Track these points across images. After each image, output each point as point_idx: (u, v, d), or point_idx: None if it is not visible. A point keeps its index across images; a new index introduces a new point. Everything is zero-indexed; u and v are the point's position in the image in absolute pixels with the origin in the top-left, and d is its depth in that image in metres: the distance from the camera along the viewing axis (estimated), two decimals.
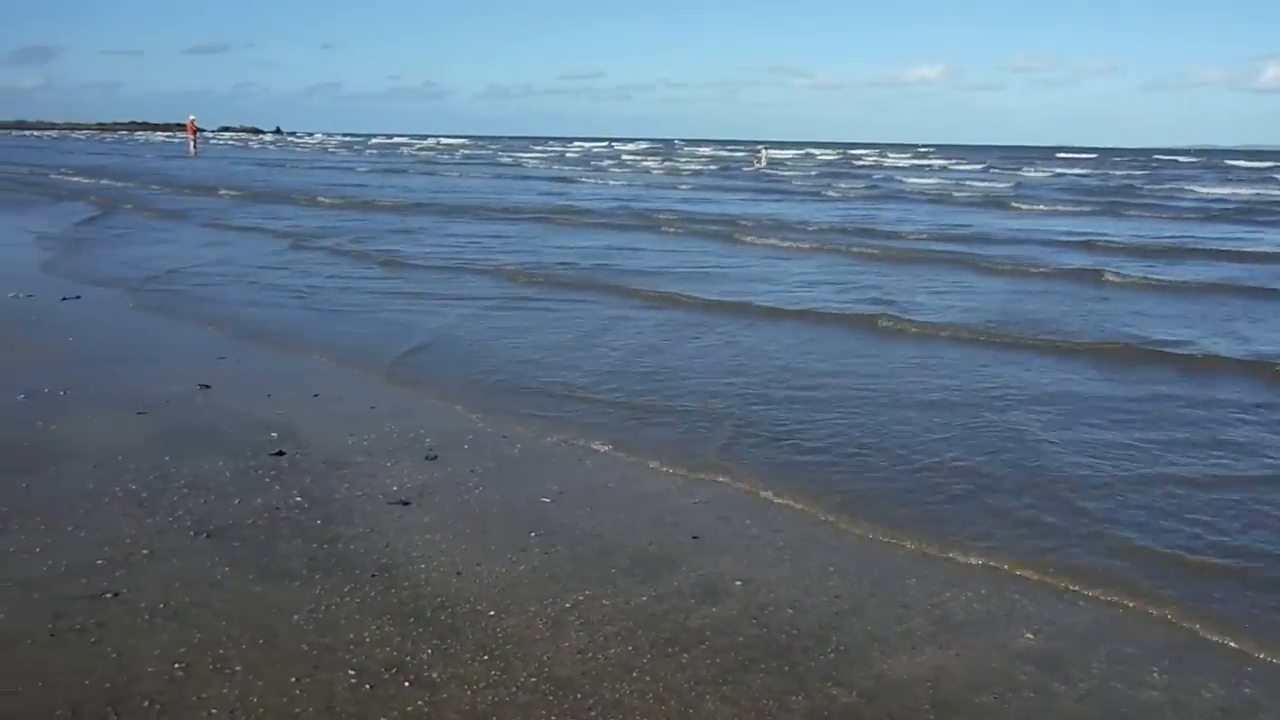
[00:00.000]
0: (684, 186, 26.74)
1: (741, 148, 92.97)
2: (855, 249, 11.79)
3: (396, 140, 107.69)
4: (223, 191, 19.93)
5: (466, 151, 62.91)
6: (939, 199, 22.61)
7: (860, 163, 52.52)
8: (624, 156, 51.58)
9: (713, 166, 42.76)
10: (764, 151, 52.10)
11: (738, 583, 2.94)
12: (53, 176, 24.13)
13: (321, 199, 18.52)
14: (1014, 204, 20.87)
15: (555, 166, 39.97)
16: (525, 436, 4.27)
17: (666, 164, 46.78)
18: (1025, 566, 3.11)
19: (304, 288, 8.20)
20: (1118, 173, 41.20)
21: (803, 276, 9.57)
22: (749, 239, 12.72)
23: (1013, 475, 3.90)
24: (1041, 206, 20.41)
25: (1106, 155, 78.10)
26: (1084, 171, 42.10)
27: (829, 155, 68.20)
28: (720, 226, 14.09)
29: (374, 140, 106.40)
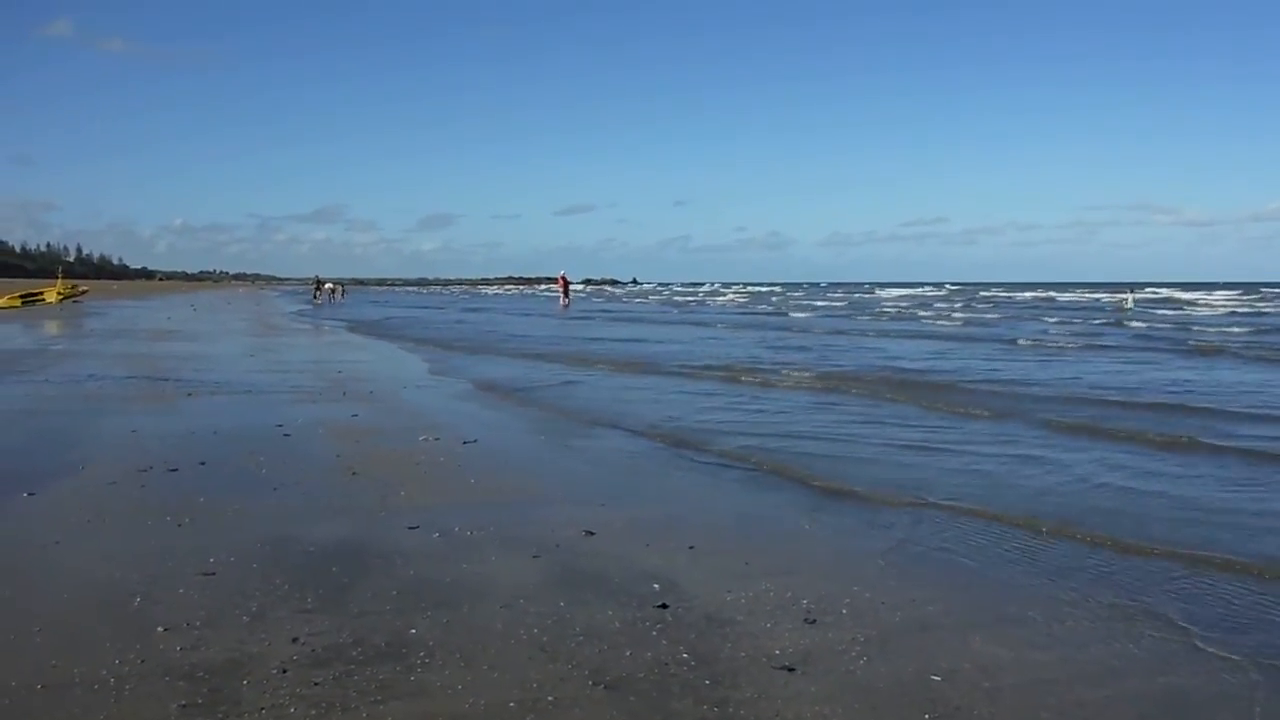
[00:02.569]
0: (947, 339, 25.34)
1: (1088, 289, 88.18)
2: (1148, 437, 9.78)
3: (723, 286, 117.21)
4: (597, 363, 21.48)
5: (741, 295, 64.64)
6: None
7: (1214, 307, 47.20)
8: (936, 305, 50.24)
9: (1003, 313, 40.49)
10: (1130, 295, 48.59)
11: None
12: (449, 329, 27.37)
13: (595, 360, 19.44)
14: None
15: (832, 318, 39.73)
16: (903, 604, 4.09)
17: (959, 306, 45.13)
18: None
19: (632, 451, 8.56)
20: None
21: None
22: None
23: None
24: None
25: None
26: None
27: (1189, 296, 62.76)
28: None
29: (678, 287, 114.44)
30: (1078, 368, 15.53)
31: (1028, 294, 79.71)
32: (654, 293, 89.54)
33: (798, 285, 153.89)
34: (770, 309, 49.47)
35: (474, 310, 48.79)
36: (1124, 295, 52.90)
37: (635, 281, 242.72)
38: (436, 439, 8.14)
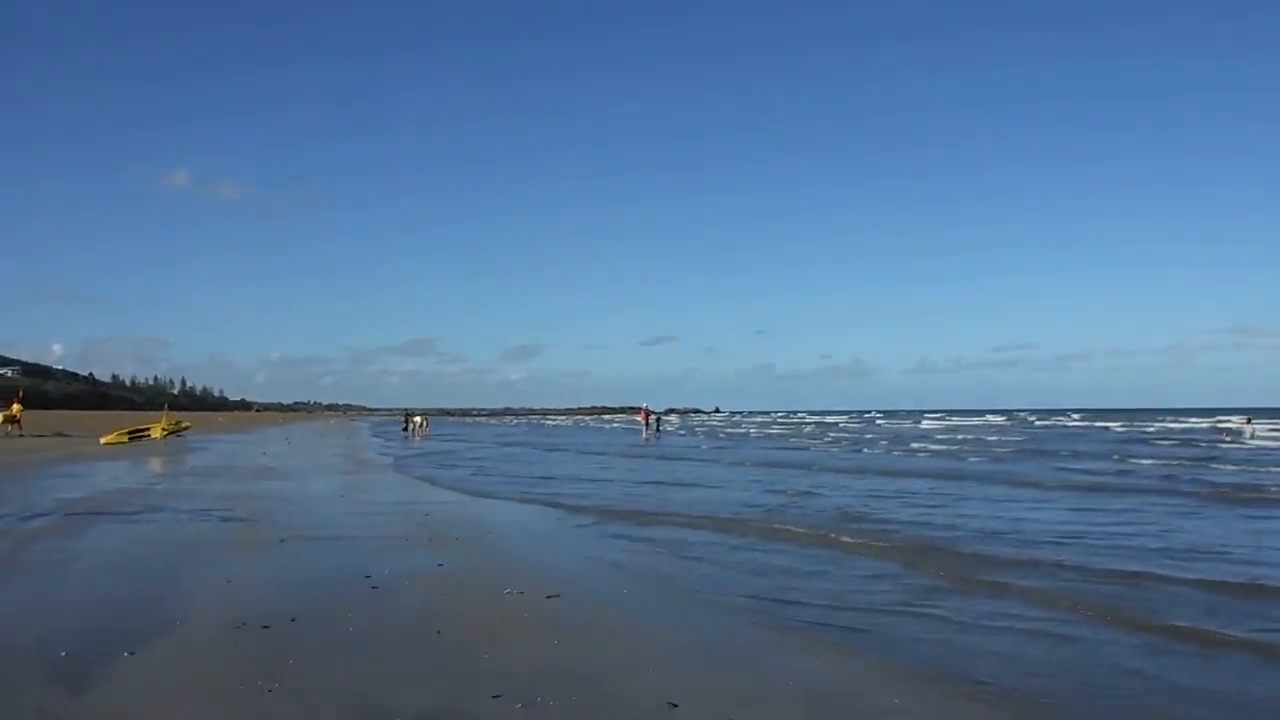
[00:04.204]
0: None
1: (1183, 415, 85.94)
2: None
3: (781, 415, 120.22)
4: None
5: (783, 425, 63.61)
6: None
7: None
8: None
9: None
10: (1251, 424, 46.53)
11: None
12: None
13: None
14: None
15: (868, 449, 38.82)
16: None
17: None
18: None
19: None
20: None
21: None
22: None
23: None
24: None
25: None
26: None
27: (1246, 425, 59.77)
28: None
29: (739, 414, 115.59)
30: (1046, 514, 14.80)
31: (1110, 423, 77.44)
32: (701, 426, 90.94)
33: (862, 414, 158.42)
34: (799, 440, 50.17)
35: (535, 447, 49.16)
36: (1243, 424, 50.80)
37: (718, 410, 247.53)
38: (521, 593, 8.17)
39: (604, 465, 28.77)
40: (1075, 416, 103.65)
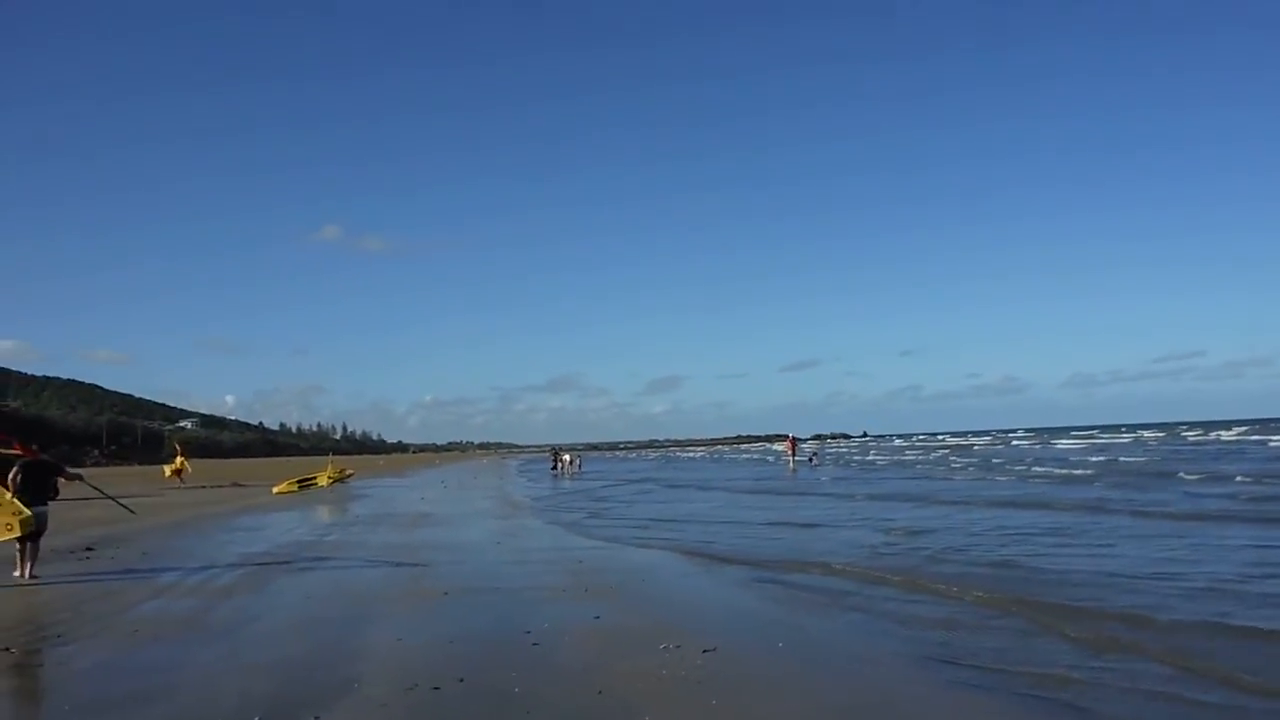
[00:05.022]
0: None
1: None
2: None
3: (925, 437, 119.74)
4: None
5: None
6: None
7: None
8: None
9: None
10: None
11: None
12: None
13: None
14: None
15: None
16: None
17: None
18: None
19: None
20: None
21: None
22: None
23: None
24: None
25: None
26: None
27: None
28: None
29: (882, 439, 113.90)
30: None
31: (1274, 436, 71.65)
32: (830, 453, 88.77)
33: (1006, 433, 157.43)
34: (927, 467, 48.99)
35: (687, 486, 49.06)
36: None
37: (865, 434, 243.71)
38: (677, 647, 8.26)
39: (731, 505, 28.46)
40: (1236, 430, 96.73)
